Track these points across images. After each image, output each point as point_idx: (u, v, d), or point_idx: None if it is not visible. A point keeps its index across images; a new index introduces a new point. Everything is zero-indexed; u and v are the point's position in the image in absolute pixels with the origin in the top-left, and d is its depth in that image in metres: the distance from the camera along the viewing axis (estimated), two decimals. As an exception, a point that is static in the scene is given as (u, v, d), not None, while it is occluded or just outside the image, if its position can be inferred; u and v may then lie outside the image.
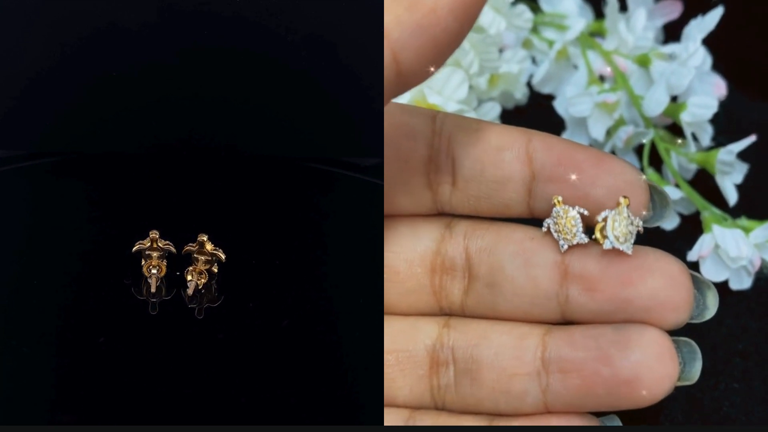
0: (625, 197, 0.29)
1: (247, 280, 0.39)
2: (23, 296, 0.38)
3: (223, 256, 0.37)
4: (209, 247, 0.37)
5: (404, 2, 0.26)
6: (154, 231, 0.38)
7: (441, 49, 0.27)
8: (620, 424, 0.30)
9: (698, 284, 0.30)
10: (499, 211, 0.31)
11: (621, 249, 0.29)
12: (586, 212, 0.30)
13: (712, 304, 0.30)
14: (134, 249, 0.38)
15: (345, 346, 0.36)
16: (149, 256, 0.38)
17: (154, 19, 0.45)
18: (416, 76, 0.27)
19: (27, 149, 0.47)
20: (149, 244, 0.38)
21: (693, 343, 0.30)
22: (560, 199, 0.30)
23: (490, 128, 0.31)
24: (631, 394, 0.28)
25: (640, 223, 0.30)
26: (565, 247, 0.30)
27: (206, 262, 0.38)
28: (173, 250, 0.38)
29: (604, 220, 0.29)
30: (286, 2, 0.44)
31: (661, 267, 0.29)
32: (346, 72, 0.45)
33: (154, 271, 0.37)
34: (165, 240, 0.38)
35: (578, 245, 0.30)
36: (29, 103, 0.46)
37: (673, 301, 0.29)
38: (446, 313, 0.32)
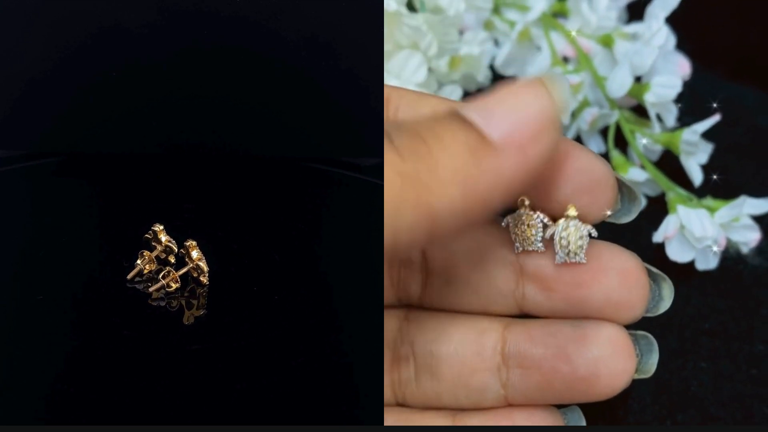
0: (571, 205, 0.29)
1: (247, 280, 0.39)
2: (23, 296, 0.38)
3: (205, 268, 0.38)
4: (195, 255, 0.38)
5: (461, 186, 0.25)
6: (157, 225, 0.39)
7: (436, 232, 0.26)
8: (581, 415, 0.31)
9: (653, 276, 0.30)
10: None
11: (573, 261, 0.29)
12: (548, 221, 0.29)
13: (667, 296, 0.30)
14: (144, 237, 0.39)
15: (344, 345, 0.37)
16: (154, 248, 0.39)
17: (154, 20, 0.46)
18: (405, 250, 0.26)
19: (27, 149, 0.48)
20: (152, 236, 0.39)
21: (650, 336, 0.30)
22: (527, 203, 0.30)
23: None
24: (589, 390, 0.29)
25: (592, 230, 0.29)
26: (520, 249, 0.30)
27: (193, 269, 0.38)
28: (174, 248, 0.39)
29: (551, 238, 0.29)
30: (286, 2, 0.45)
31: (616, 266, 0.29)
32: (346, 72, 0.46)
33: (138, 261, 0.38)
34: (169, 236, 0.39)
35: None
36: (29, 103, 0.47)
37: (628, 300, 0.29)
38: (405, 304, 0.32)
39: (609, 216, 0.30)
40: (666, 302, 0.30)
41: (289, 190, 0.47)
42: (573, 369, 0.29)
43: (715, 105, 0.41)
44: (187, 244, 0.38)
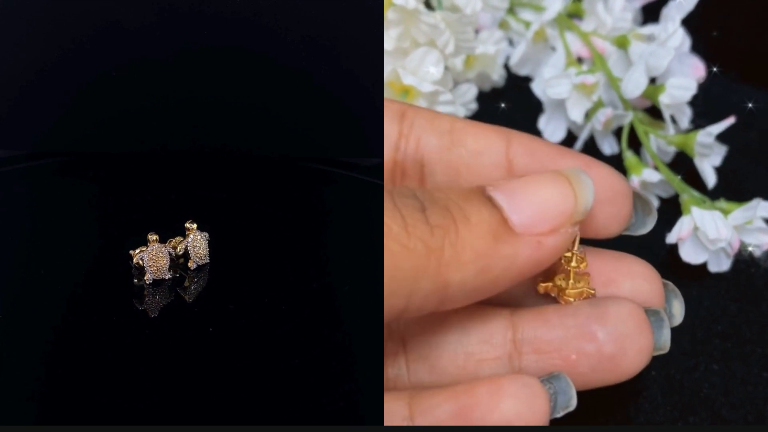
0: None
1: (246, 279, 0.40)
2: (23, 296, 0.39)
3: (161, 275, 0.40)
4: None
5: (477, 266, 0.27)
6: (190, 221, 0.41)
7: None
8: (569, 382, 0.29)
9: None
10: None
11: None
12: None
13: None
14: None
15: (344, 344, 0.37)
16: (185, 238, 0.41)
17: (154, 20, 0.47)
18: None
19: (27, 149, 0.49)
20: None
21: (660, 311, 0.31)
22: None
23: (465, 129, 0.31)
24: (615, 369, 0.29)
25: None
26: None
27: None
28: (202, 244, 0.41)
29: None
30: (286, 2, 0.46)
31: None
32: (345, 72, 0.47)
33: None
34: (200, 233, 0.41)
35: None
36: (29, 103, 0.48)
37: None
38: None
39: (625, 229, 0.31)
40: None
41: (288, 190, 0.48)
42: (599, 348, 0.29)
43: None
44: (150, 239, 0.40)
